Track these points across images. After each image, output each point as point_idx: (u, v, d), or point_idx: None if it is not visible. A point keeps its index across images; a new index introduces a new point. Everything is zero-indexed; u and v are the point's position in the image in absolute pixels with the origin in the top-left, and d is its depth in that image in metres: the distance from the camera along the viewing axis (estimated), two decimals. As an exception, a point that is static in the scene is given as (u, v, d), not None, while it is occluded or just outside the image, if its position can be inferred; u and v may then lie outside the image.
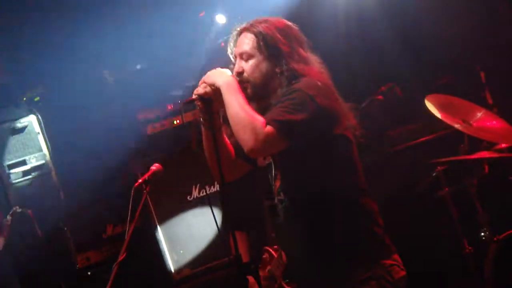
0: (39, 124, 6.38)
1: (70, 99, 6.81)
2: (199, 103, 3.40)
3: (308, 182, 3.37)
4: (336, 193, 3.36)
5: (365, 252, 3.35)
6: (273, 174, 3.52)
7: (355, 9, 7.02)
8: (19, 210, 5.94)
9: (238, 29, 3.54)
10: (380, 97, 6.96)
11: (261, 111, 3.32)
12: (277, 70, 3.41)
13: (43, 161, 6.27)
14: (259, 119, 3.22)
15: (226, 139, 3.58)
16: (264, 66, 3.43)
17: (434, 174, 5.74)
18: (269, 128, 3.19)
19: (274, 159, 3.51)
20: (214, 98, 3.36)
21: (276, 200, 3.51)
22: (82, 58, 6.82)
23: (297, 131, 3.23)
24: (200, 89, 3.38)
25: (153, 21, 6.92)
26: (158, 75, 7.02)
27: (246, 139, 3.20)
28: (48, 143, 6.39)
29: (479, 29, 6.71)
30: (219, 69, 3.41)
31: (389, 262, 3.36)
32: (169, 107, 6.36)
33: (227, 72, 3.40)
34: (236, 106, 3.26)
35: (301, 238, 3.42)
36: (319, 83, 3.35)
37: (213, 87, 3.35)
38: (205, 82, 3.38)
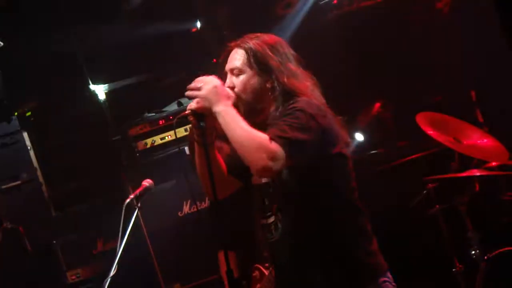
0: (30, 139, 6.37)
1: (61, 114, 6.81)
2: (192, 119, 3.38)
3: (307, 202, 3.36)
4: (334, 212, 3.36)
5: (361, 269, 3.35)
6: (271, 193, 3.52)
7: (349, 27, 7.08)
8: (9, 225, 5.91)
9: (230, 45, 3.55)
10: (380, 110, 7.01)
11: (255, 127, 3.29)
12: (268, 85, 3.41)
13: (33, 177, 6.25)
14: (264, 136, 3.18)
15: (218, 155, 3.56)
16: (254, 81, 3.43)
17: (424, 191, 5.75)
18: (274, 144, 3.15)
19: (272, 178, 3.48)
20: (207, 113, 3.33)
21: (273, 219, 3.50)
22: (73, 73, 6.84)
23: (301, 149, 3.21)
24: (193, 104, 3.35)
25: (145, 34, 6.95)
26: (150, 90, 7.03)
27: (255, 159, 3.15)
28: (39, 158, 6.37)
29: (471, 50, 6.76)
30: (214, 89, 3.33)
31: (382, 279, 3.36)
32: (161, 122, 6.33)
33: (224, 92, 3.35)
34: (237, 129, 3.21)
35: (298, 257, 3.41)
36: (316, 102, 3.36)
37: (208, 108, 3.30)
38: (199, 98, 3.34)
